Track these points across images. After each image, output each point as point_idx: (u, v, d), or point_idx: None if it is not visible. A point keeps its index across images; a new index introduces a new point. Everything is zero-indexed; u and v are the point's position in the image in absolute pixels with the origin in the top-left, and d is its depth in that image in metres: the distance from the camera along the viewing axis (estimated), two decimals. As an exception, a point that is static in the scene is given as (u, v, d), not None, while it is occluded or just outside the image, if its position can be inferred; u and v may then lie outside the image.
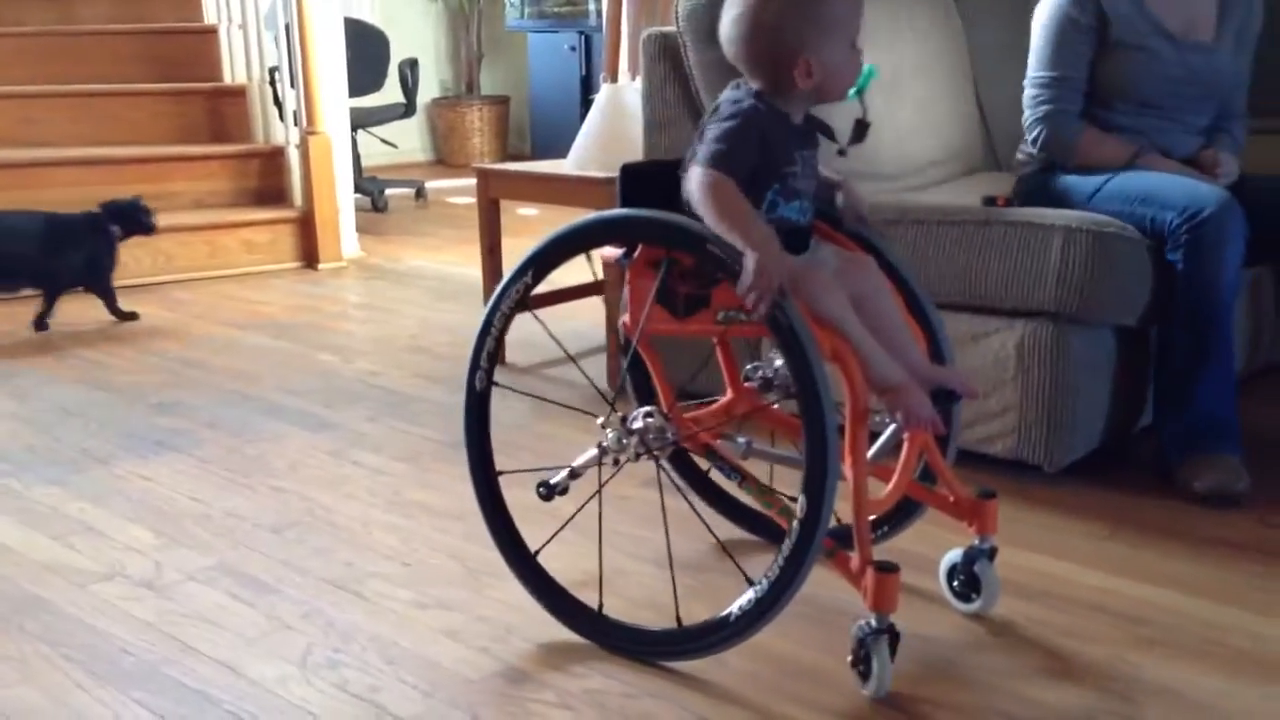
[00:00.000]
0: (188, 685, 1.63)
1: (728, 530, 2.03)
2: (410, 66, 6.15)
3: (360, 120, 5.66)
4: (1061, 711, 1.54)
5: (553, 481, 1.74)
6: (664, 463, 1.71)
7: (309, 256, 4.61)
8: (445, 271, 4.54)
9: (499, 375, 1.78)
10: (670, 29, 2.64)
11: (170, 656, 1.70)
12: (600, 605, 1.72)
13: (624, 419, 1.69)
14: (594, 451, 1.70)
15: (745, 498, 1.70)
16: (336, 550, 2.06)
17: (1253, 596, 1.84)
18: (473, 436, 1.79)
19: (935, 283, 2.24)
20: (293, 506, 2.26)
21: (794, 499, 1.51)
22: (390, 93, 6.11)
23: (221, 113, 4.93)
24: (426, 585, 1.92)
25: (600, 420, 1.70)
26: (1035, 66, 2.50)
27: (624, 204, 1.71)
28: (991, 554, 1.75)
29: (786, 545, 1.50)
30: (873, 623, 1.53)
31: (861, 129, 1.65)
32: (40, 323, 3.64)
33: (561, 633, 1.74)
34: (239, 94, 4.96)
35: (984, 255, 2.23)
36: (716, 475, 1.77)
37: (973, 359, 2.26)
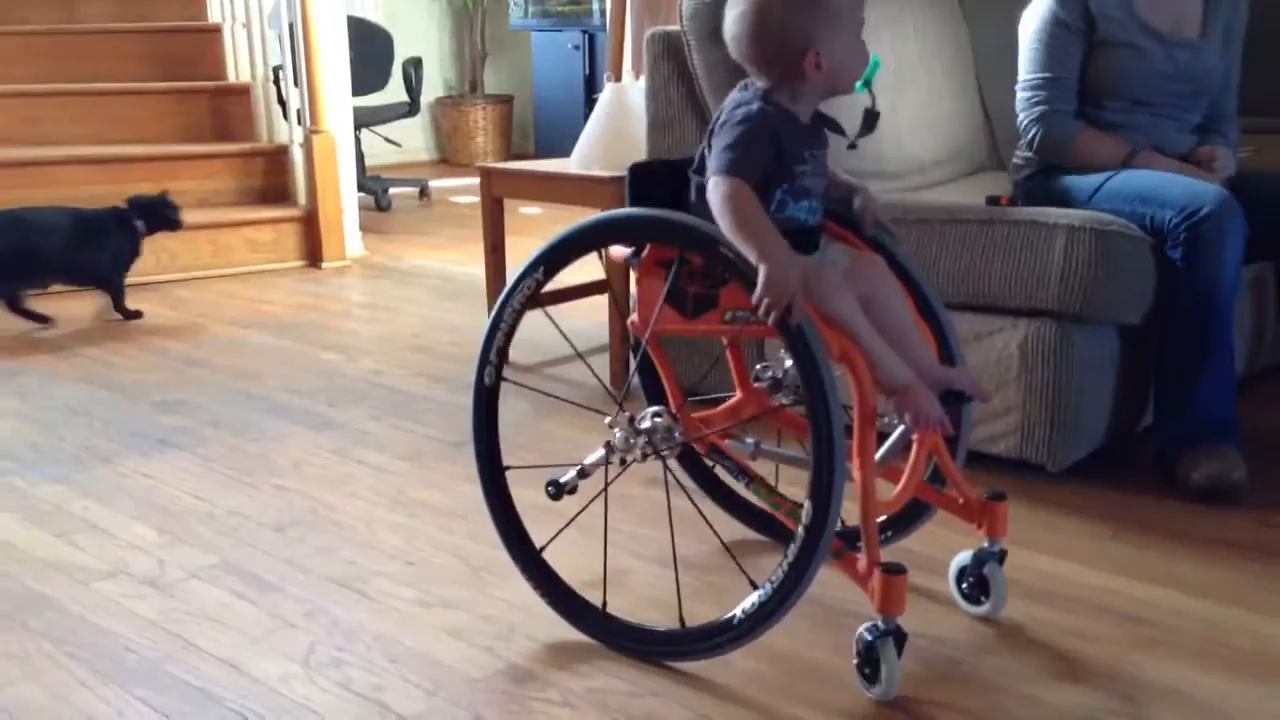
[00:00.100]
0: (191, 683, 1.63)
1: (736, 530, 2.03)
2: (414, 65, 6.16)
3: (364, 119, 5.66)
4: (1065, 712, 1.53)
5: (562, 480, 1.74)
6: (674, 463, 1.70)
7: (313, 255, 4.61)
8: (449, 271, 4.53)
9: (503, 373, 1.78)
10: (674, 28, 2.63)
11: (173, 654, 1.70)
12: (604, 604, 1.72)
13: (631, 419, 1.69)
14: (602, 451, 1.70)
15: (753, 498, 1.70)
16: (340, 549, 2.06)
17: (1254, 597, 1.84)
18: (480, 432, 1.78)
19: (939, 282, 2.24)
20: (296, 505, 2.26)
21: (799, 505, 1.50)
22: (394, 92, 6.11)
23: (225, 112, 4.94)
24: (430, 584, 1.92)
25: (608, 419, 1.69)
26: (1027, 69, 2.50)
27: (633, 203, 1.71)
28: (1001, 557, 1.75)
29: (792, 549, 1.50)
30: (880, 624, 1.53)
31: (871, 119, 1.64)
32: (129, 313, 3.73)
33: (565, 632, 1.74)
34: (243, 93, 4.97)
35: (987, 254, 2.23)
36: (724, 475, 1.77)
37: (976, 358, 2.26)
